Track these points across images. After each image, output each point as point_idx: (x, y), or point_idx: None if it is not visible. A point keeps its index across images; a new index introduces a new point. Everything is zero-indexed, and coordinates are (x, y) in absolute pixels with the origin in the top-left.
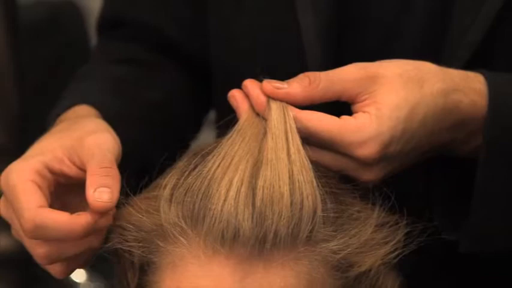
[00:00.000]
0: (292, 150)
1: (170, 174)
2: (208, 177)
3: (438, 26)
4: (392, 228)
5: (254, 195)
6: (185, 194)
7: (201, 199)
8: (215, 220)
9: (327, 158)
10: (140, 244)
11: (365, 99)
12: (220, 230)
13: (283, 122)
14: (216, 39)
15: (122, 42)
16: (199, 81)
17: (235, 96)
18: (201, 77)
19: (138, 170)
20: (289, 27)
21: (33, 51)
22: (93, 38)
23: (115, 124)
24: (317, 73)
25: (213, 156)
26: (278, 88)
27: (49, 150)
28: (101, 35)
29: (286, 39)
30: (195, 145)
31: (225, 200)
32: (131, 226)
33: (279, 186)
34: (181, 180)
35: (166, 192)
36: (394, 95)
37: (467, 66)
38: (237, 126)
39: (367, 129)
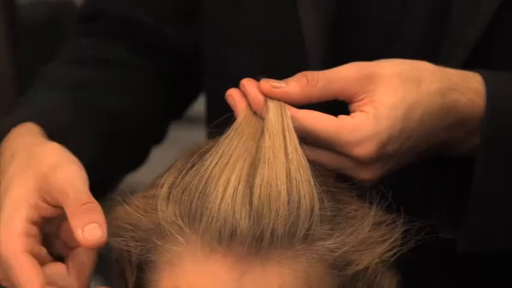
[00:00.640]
0: (290, 149)
1: (168, 173)
2: (206, 175)
3: (437, 26)
4: (390, 226)
5: (251, 193)
6: (182, 193)
7: (198, 198)
8: (212, 218)
9: (324, 157)
10: (138, 243)
11: (363, 99)
12: (218, 229)
13: (280, 120)
14: (213, 38)
15: (98, 37)
16: (178, 81)
17: (232, 95)
18: (181, 76)
19: (96, 186)
20: (290, 26)
21: (33, 51)
22: None
23: (70, 138)
24: (315, 72)
25: (210, 155)
26: (276, 87)
27: (21, 201)
28: (79, 28)
29: (287, 38)
30: (191, 144)
31: (222, 199)
32: (129, 225)
33: (277, 185)
34: (179, 179)
35: (164, 190)
36: (392, 94)
37: (465, 65)
38: (235, 125)
39: (364, 128)
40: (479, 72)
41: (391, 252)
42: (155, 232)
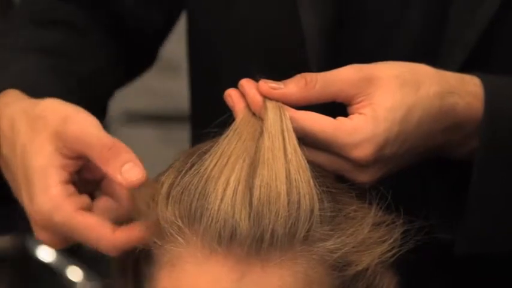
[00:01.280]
0: (289, 149)
1: (167, 173)
2: (205, 176)
3: (436, 26)
4: (389, 227)
5: (251, 194)
6: (182, 193)
7: (198, 198)
8: (212, 219)
9: (322, 158)
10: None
11: (361, 101)
12: (218, 230)
13: (279, 121)
14: (208, 38)
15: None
16: (130, 52)
17: (231, 95)
18: (135, 47)
19: None
20: (290, 26)
21: None
22: None
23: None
24: (314, 74)
25: (209, 155)
26: (274, 88)
27: (46, 167)
28: None
29: (287, 38)
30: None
31: (222, 200)
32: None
33: (276, 186)
34: (178, 179)
35: (163, 190)
36: (390, 97)
37: (464, 66)
38: (233, 125)
39: (362, 130)
40: (478, 76)
41: (391, 253)
42: (155, 232)
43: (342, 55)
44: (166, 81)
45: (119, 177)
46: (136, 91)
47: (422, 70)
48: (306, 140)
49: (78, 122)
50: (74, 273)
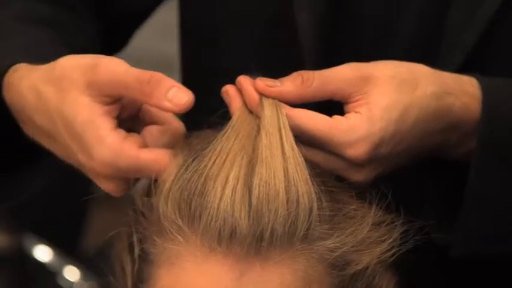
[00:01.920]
0: (286, 147)
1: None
2: (204, 174)
3: (433, 26)
4: (389, 227)
5: (250, 193)
6: (181, 191)
7: (197, 197)
8: (212, 218)
9: (317, 157)
10: (139, 240)
11: (357, 100)
12: (217, 229)
13: (276, 119)
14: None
15: None
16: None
17: (228, 91)
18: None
19: None
20: (285, 24)
21: None
22: None
23: None
24: (310, 72)
25: (208, 152)
26: (271, 86)
27: (93, 118)
28: None
29: (282, 36)
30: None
31: (221, 198)
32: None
33: (275, 184)
34: (177, 176)
35: (165, 187)
36: (387, 96)
37: (462, 67)
38: (231, 123)
39: (357, 129)
40: (475, 76)
41: (390, 253)
42: (155, 230)
43: (336, 54)
44: None
45: (167, 104)
46: None
47: (419, 70)
48: (302, 138)
49: (104, 66)
50: (71, 273)
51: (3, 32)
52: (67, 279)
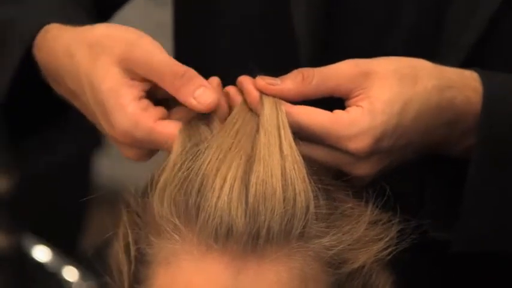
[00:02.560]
0: (285, 146)
1: (162, 167)
2: (202, 173)
3: (431, 20)
4: (386, 225)
5: (247, 191)
6: (178, 190)
7: (194, 196)
8: (209, 217)
9: (319, 152)
10: (135, 240)
11: (358, 95)
12: (214, 227)
13: (275, 117)
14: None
15: None
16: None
17: (229, 92)
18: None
19: None
20: (281, 18)
21: None
22: None
23: None
24: (311, 69)
25: (205, 150)
26: (271, 84)
27: (119, 87)
28: None
29: (278, 30)
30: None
31: (218, 197)
32: (127, 222)
33: (272, 183)
34: (173, 174)
35: (159, 186)
36: (388, 90)
37: (463, 66)
38: (230, 121)
39: (359, 122)
40: (476, 71)
41: (387, 251)
42: (151, 229)
43: (333, 48)
44: None
45: (192, 101)
46: None
47: (420, 64)
48: (303, 135)
49: (143, 47)
50: (70, 273)
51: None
52: (66, 279)
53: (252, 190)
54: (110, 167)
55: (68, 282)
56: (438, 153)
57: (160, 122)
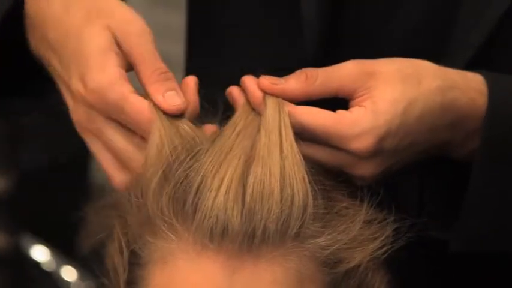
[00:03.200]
0: (285, 145)
1: (160, 168)
2: (200, 173)
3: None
4: (381, 224)
5: (244, 191)
6: (175, 190)
7: (192, 196)
8: (205, 216)
9: (321, 153)
10: (130, 239)
11: (362, 95)
12: (210, 226)
13: (277, 117)
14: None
15: None
16: None
17: (232, 92)
18: None
19: None
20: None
21: None
22: None
23: None
24: (314, 69)
25: (205, 151)
26: (275, 84)
27: (106, 49)
28: None
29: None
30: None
31: (215, 197)
32: (123, 222)
33: (270, 182)
34: (171, 173)
35: (153, 185)
36: (391, 90)
37: (470, 66)
38: (232, 121)
39: (362, 122)
40: (481, 72)
41: (382, 250)
42: (147, 228)
43: (339, 37)
44: None
45: (160, 98)
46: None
47: (423, 65)
48: (306, 135)
49: (138, 29)
50: (68, 272)
51: None
52: (64, 279)
53: (249, 190)
54: None
55: (66, 282)
56: (439, 156)
57: (135, 95)
